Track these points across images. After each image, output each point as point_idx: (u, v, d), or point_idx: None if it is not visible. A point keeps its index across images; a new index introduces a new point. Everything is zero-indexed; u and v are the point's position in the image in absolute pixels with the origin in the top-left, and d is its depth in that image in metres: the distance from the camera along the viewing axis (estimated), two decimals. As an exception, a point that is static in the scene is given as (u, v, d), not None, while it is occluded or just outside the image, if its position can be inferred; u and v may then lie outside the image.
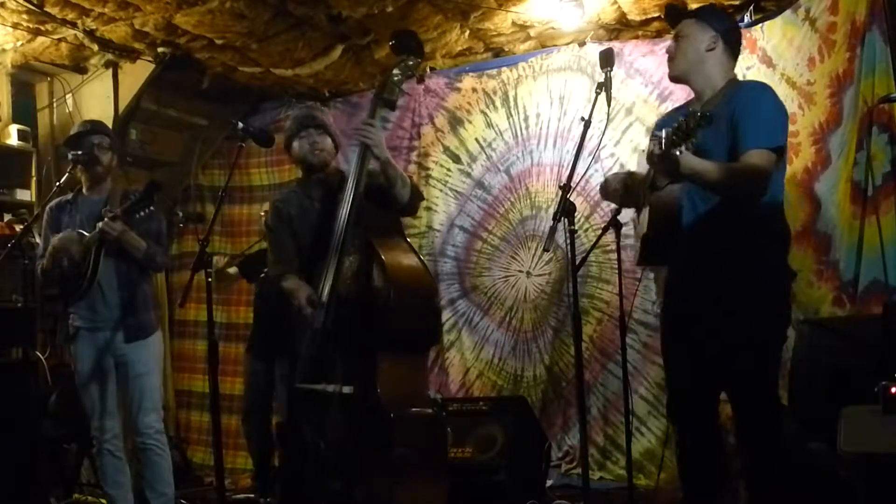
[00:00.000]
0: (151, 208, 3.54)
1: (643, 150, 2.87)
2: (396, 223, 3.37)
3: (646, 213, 2.89)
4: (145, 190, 3.55)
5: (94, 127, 3.88)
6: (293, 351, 3.31)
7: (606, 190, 3.19)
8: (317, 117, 3.45)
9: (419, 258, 3.32)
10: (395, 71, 3.21)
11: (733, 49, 2.85)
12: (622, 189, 3.07)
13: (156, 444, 3.73)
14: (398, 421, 3.02)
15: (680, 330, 2.84)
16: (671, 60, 2.86)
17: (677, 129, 2.39)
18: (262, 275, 4.60)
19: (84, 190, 3.85)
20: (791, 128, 4.37)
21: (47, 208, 3.88)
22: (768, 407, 2.71)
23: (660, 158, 2.47)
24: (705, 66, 2.79)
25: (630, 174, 3.15)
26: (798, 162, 4.30)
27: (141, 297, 3.75)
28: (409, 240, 3.38)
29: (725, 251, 2.68)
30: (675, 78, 2.90)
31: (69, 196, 3.87)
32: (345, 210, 3.17)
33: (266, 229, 3.52)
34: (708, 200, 2.72)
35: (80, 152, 3.73)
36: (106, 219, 3.54)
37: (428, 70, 5.61)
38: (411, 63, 3.22)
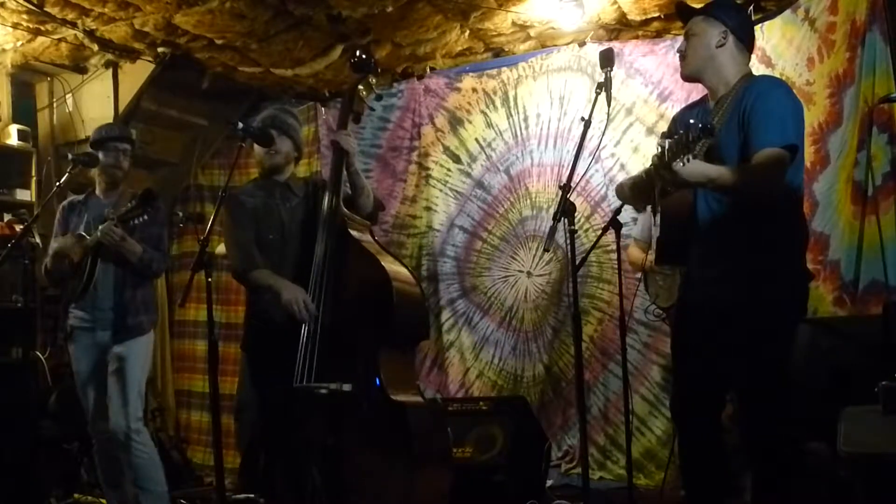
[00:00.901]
0: (145, 217, 3.54)
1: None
2: (371, 230, 3.48)
3: (659, 217, 2.85)
4: (140, 199, 3.55)
5: (122, 133, 3.92)
6: (276, 350, 3.34)
7: (622, 194, 3.17)
8: (279, 119, 3.47)
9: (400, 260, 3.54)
10: (360, 87, 3.42)
11: (746, 43, 2.78)
12: (634, 192, 3.05)
13: (136, 444, 3.67)
14: (408, 411, 3.09)
15: (693, 328, 2.81)
16: (683, 59, 2.81)
17: (678, 141, 2.37)
18: None
19: (97, 191, 3.88)
20: (790, 127, 4.38)
21: (60, 206, 3.92)
22: (776, 407, 2.67)
23: (663, 172, 2.46)
24: (716, 63, 2.74)
25: (643, 174, 3.12)
26: (797, 161, 4.30)
27: (136, 299, 3.76)
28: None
29: (741, 252, 2.65)
30: (687, 77, 2.85)
31: (81, 196, 3.90)
32: (326, 215, 3.24)
33: (226, 220, 3.47)
34: (722, 200, 2.69)
35: (82, 154, 3.78)
36: (107, 223, 3.55)
37: (428, 70, 5.61)
38: (373, 81, 3.47)
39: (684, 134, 2.34)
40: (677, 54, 2.89)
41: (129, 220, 3.54)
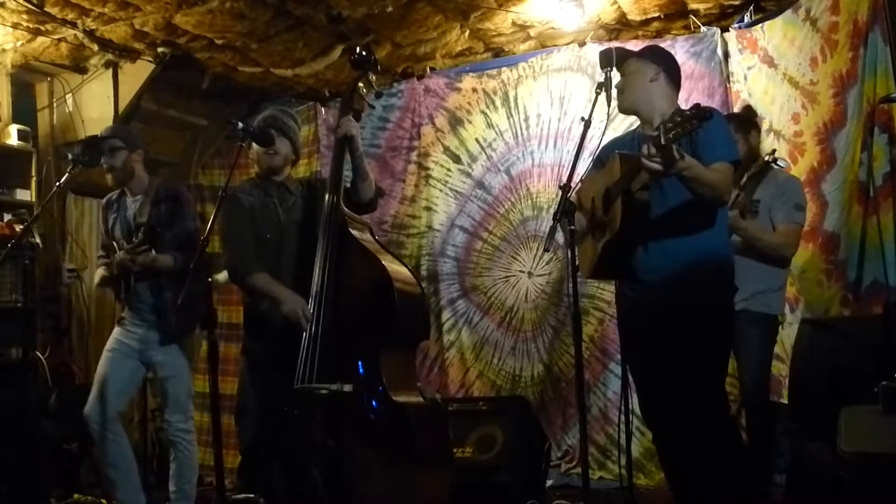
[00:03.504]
0: (152, 251, 3.67)
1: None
2: (371, 229, 3.47)
3: (617, 210, 2.89)
4: (149, 233, 3.70)
5: (112, 133, 3.91)
6: (276, 353, 3.34)
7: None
8: (279, 121, 3.47)
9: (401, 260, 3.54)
10: (361, 84, 3.42)
11: (675, 81, 3.04)
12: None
13: (179, 440, 3.87)
14: (409, 411, 3.09)
15: (643, 332, 2.98)
16: (620, 94, 3.02)
17: (678, 124, 2.46)
18: None
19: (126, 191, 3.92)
20: (795, 127, 4.40)
21: (100, 205, 4.00)
22: (718, 393, 2.92)
23: (654, 161, 2.55)
24: (650, 96, 2.98)
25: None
26: (804, 161, 4.30)
27: (171, 301, 3.72)
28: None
29: (685, 256, 2.86)
30: (624, 110, 3.09)
31: (116, 194, 3.92)
32: (327, 214, 3.23)
33: (223, 221, 3.44)
34: (668, 205, 2.86)
35: (80, 153, 3.77)
36: (120, 254, 3.67)
37: (428, 70, 5.61)
38: (374, 78, 3.47)
39: (687, 117, 2.46)
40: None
41: (140, 252, 3.63)
